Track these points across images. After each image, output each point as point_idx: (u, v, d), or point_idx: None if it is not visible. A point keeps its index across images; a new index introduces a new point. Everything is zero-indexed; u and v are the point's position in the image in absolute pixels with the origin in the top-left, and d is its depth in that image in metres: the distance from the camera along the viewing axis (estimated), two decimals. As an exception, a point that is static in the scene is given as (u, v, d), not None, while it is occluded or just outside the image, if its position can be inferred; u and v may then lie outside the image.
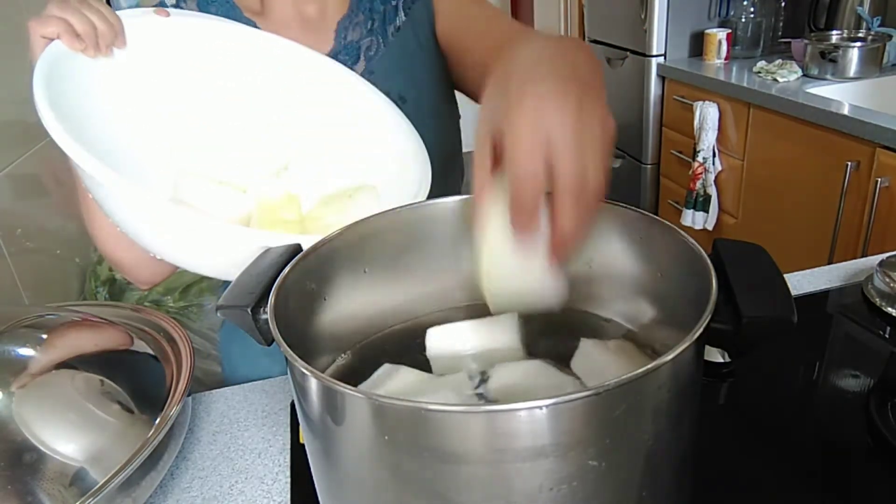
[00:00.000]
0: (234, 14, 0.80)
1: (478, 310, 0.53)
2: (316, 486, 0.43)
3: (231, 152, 0.76)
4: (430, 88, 0.83)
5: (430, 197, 0.54)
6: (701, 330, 0.34)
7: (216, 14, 0.78)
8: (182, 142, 0.74)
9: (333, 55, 0.81)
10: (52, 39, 0.60)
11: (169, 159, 0.72)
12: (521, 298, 0.45)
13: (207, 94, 0.75)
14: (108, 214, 0.59)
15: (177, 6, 0.79)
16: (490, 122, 0.40)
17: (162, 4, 0.78)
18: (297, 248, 0.48)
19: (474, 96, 0.81)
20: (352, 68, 0.80)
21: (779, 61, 2.02)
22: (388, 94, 0.76)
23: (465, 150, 0.96)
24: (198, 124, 0.74)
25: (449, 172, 0.85)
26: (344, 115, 0.77)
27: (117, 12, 0.67)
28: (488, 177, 0.41)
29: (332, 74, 0.77)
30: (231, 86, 0.76)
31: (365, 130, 0.76)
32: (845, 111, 1.63)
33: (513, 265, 0.43)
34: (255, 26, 0.79)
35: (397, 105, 0.75)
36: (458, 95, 0.87)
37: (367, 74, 0.80)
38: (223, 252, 0.56)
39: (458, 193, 0.53)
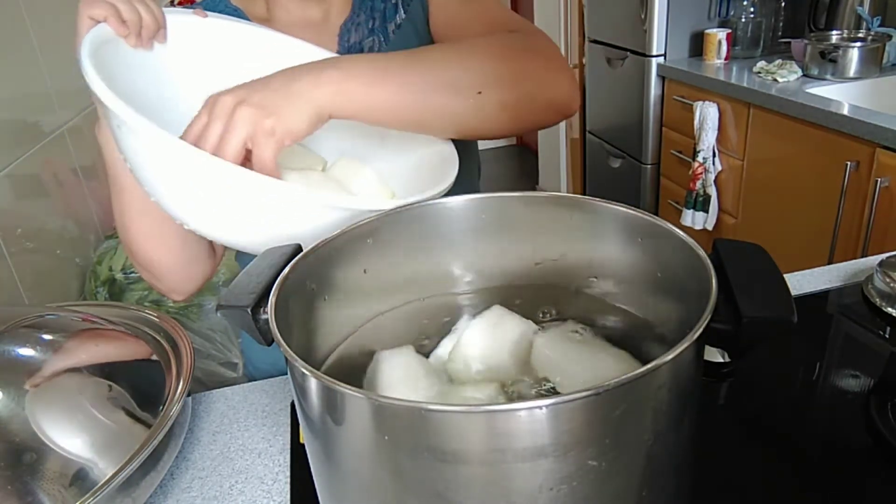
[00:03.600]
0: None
1: (479, 309, 0.53)
2: (316, 486, 0.43)
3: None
4: None
5: (466, 182, 0.54)
6: (701, 330, 0.34)
7: None
8: None
9: None
10: (98, 22, 0.63)
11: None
12: None
13: None
14: (149, 184, 0.58)
15: None
16: None
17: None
18: (297, 249, 0.48)
19: None
20: None
21: (779, 61, 2.02)
22: None
23: (482, 146, 0.95)
24: None
25: (462, 167, 0.85)
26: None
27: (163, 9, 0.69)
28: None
29: None
30: None
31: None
32: (845, 111, 1.63)
33: None
34: None
35: None
36: None
37: None
38: (277, 216, 0.55)
39: (474, 187, 0.54)
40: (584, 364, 0.49)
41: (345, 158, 0.75)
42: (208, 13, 0.73)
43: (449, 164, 0.66)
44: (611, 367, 0.48)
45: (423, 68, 0.63)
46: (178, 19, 0.70)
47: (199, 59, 0.73)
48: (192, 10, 0.73)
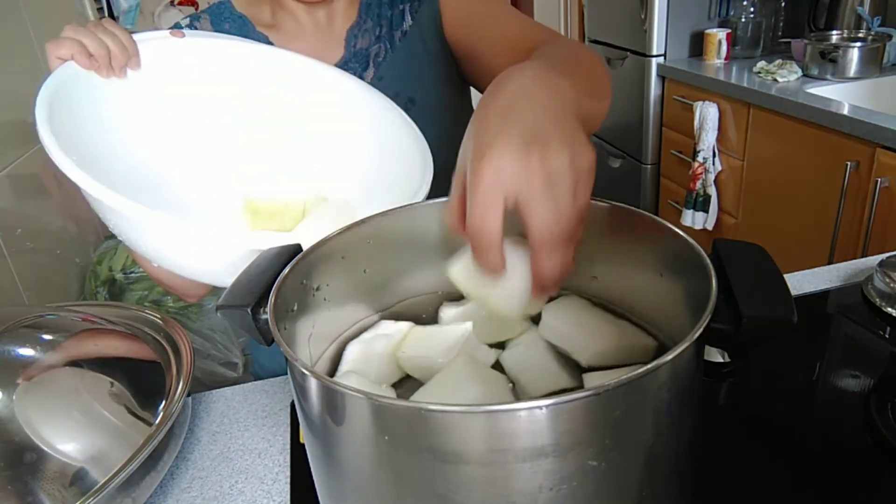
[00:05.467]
0: (246, 28, 0.81)
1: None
2: (316, 486, 0.43)
3: (241, 169, 0.76)
4: (439, 89, 0.83)
5: (444, 195, 0.54)
6: (701, 330, 0.34)
7: (230, 30, 0.79)
8: (198, 160, 0.74)
9: (343, 63, 0.81)
10: (66, 60, 0.63)
11: (188, 179, 0.73)
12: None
13: (222, 113, 0.76)
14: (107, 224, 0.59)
15: (190, 25, 0.80)
16: (463, 165, 0.41)
17: (177, 26, 0.79)
18: (296, 249, 0.48)
19: None
20: (362, 75, 0.81)
21: (779, 61, 2.02)
22: (396, 97, 0.76)
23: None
24: (212, 142, 0.75)
25: None
26: (350, 124, 0.77)
27: (134, 35, 0.69)
28: (455, 216, 0.42)
29: (339, 86, 0.77)
30: (245, 103, 0.77)
31: (371, 137, 0.76)
32: (845, 111, 1.63)
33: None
34: (268, 39, 0.80)
35: (406, 108, 0.75)
36: (474, 92, 0.87)
37: (377, 80, 0.81)
38: (218, 256, 0.56)
39: None
40: (593, 333, 0.50)
41: (329, 202, 0.75)
42: (186, 32, 0.73)
43: (426, 166, 0.66)
44: (617, 336, 0.49)
45: (582, 74, 0.59)
46: (152, 44, 0.70)
47: (178, 80, 0.72)
48: (168, 32, 0.72)
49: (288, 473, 0.62)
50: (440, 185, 0.62)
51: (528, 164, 0.37)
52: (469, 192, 0.38)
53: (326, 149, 0.78)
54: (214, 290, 0.87)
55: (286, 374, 0.77)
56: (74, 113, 0.61)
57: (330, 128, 0.78)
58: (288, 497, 0.59)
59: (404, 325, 0.53)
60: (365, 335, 0.53)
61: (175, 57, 0.72)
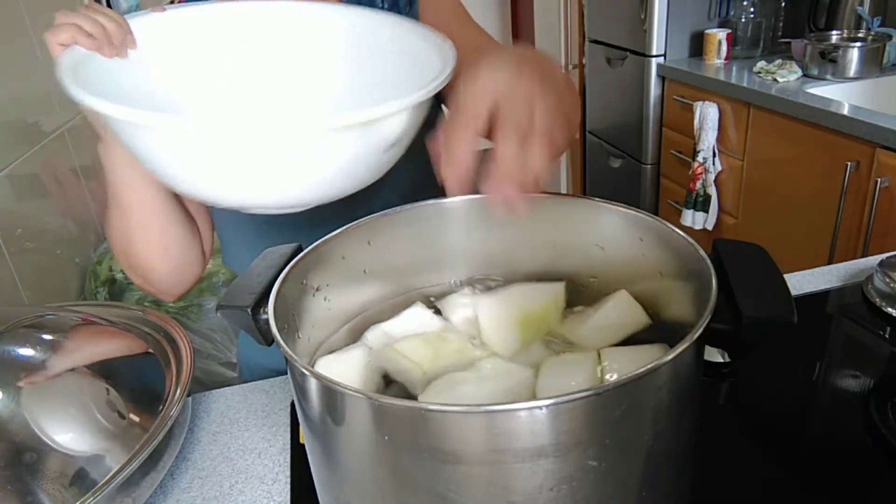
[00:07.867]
0: None
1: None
2: (316, 486, 0.43)
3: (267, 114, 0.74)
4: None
5: (431, 197, 0.54)
6: (701, 330, 0.34)
7: None
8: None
9: None
10: (67, 46, 0.62)
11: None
12: None
13: (226, 72, 0.75)
14: (161, 165, 0.57)
15: None
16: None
17: None
18: (297, 249, 0.48)
19: None
20: None
21: (779, 61, 2.02)
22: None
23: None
24: (229, 102, 0.74)
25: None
26: (359, 45, 0.75)
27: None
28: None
29: (322, 16, 0.76)
30: (247, 58, 0.76)
31: (386, 49, 0.74)
32: (845, 111, 1.63)
33: None
34: None
35: None
36: None
37: None
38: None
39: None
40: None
41: None
42: (166, 7, 0.72)
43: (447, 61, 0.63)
44: (606, 310, 0.49)
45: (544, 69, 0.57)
46: (139, 22, 0.69)
47: (173, 53, 0.72)
48: (150, 9, 0.71)
49: (288, 473, 0.62)
50: (423, 189, 0.61)
51: (519, 76, 0.41)
52: (458, 101, 0.41)
53: (341, 77, 0.76)
54: (214, 291, 0.87)
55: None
56: (94, 88, 0.60)
57: (333, 57, 0.76)
58: (288, 497, 0.59)
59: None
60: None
61: (164, 30, 0.71)
